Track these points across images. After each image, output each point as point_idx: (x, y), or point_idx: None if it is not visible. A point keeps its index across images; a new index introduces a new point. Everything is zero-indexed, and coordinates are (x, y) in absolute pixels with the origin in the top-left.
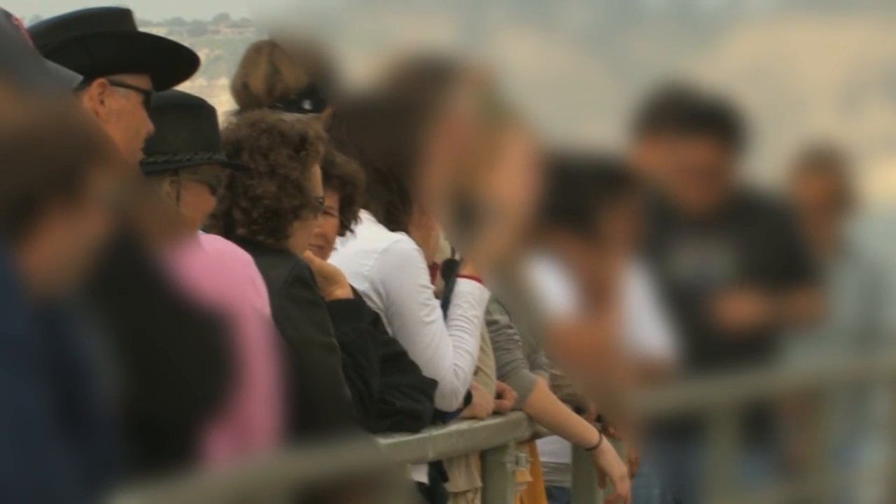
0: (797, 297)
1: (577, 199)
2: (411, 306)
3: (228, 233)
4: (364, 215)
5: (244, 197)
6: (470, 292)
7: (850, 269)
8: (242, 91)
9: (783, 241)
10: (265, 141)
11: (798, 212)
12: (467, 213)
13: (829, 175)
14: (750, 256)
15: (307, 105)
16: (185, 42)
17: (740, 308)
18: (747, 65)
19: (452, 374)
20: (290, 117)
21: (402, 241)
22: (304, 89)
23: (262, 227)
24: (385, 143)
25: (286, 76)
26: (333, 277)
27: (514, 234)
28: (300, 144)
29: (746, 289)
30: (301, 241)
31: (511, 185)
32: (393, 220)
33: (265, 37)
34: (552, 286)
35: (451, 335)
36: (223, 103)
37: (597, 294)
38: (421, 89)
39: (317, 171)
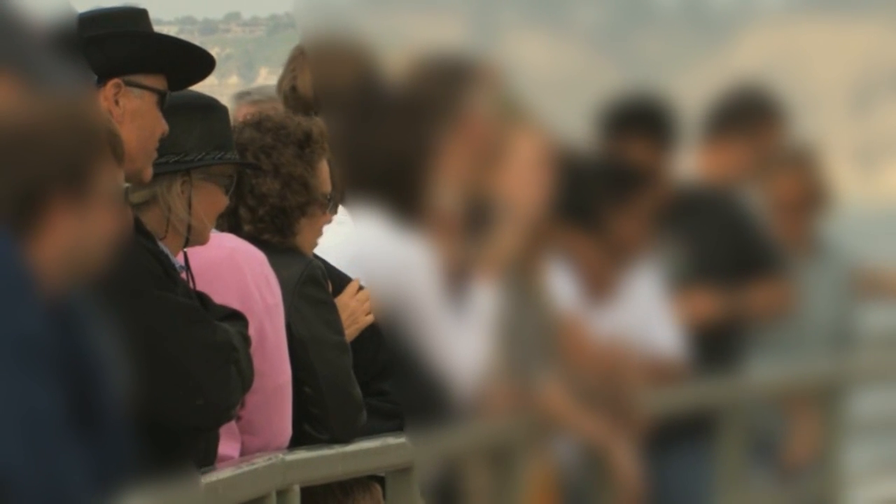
0: (757, 291)
1: (587, 199)
2: None
3: (234, 231)
4: (373, 215)
5: (250, 195)
6: None
7: (825, 269)
8: (290, 94)
9: (736, 235)
10: (269, 139)
11: (753, 206)
12: (479, 213)
13: (802, 174)
14: (701, 253)
15: None
16: (196, 41)
17: (696, 306)
18: (758, 64)
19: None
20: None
21: (408, 253)
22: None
23: (268, 224)
24: (395, 142)
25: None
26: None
27: (526, 234)
28: (305, 142)
29: (701, 286)
30: (309, 237)
31: (525, 185)
32: (403, 221)
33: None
34: (562, 286)
35: None
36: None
37: (606, 294)
38: (435, 88)
39: (323, 168)
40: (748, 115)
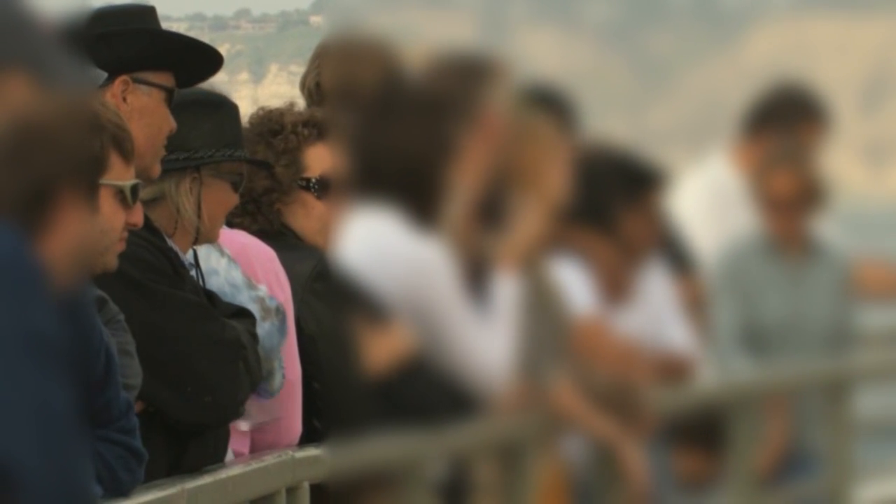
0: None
1: (599, 197)
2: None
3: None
4: (389, 216)
5: None
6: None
7: (822, 269)
8: (315, 90)
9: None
10: (247, 132)
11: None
12: (498, 206)
13: (798, 171)
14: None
15: None
16: (206, 37)
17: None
18: (768, 62)
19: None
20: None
21: (427, 253)
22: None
23: (238, 209)
24: (413, 141)
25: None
26: None
27: (549, 223)
28: (279, 130)
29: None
30: (305, 223)
31: (553, 176)
32: (420, 221)
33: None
34: (575, 283)
35: None
36: (243, 98)
37: (624, 294)
38: (452, 85)
39: (306, 155)
40: (784, 113)
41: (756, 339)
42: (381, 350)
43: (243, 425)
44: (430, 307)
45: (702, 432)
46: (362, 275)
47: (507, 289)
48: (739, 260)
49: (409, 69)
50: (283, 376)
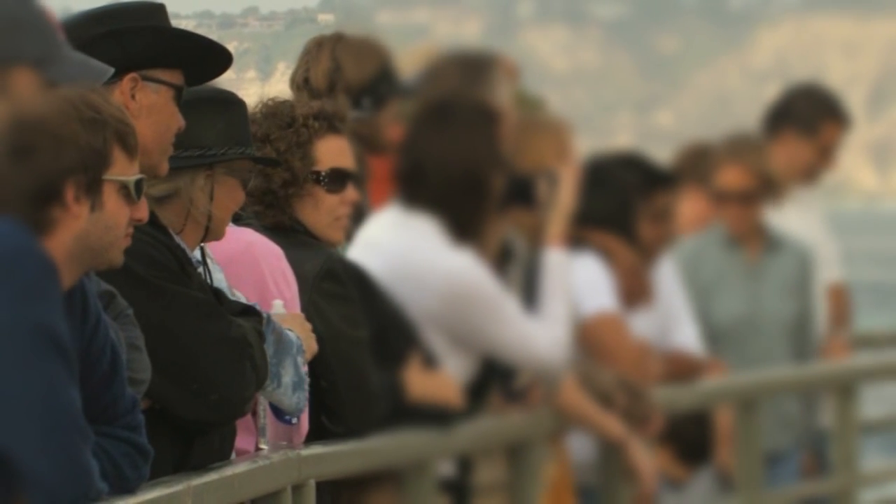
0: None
1: (618, 201)
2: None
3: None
4: (427, 226)
5: None
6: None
7: (782, 263)
8: (303, 86)
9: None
10: (266, 126)
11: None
12: (525, 190)
13: (752, 163)
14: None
15: (366, 103)
16: (214, 35)
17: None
18: (776, 62)
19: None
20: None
21: (463, 274)
22: (364, 87)
23: (256, 201)
24: (464, 147)
25: (347, 72)
26: None
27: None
28: (290, 123)
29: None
30: (314, 217)
31: (567, 169)
32: (463, 230)
33: (313, 30)
34: (597, 283)
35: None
36: (251, 96)
37: (638, 294)
38: (465, 85)
39: (318, 148)
40: (806, 111)
41: (711, 333)
42: (426, 384)
43: (263, 445)
44: (477, 314)
45: (686, 431)
46: (399, 294)
47: (558, 264)
48: (696, 255)
49: (416, 71)
50: (303, 398)
